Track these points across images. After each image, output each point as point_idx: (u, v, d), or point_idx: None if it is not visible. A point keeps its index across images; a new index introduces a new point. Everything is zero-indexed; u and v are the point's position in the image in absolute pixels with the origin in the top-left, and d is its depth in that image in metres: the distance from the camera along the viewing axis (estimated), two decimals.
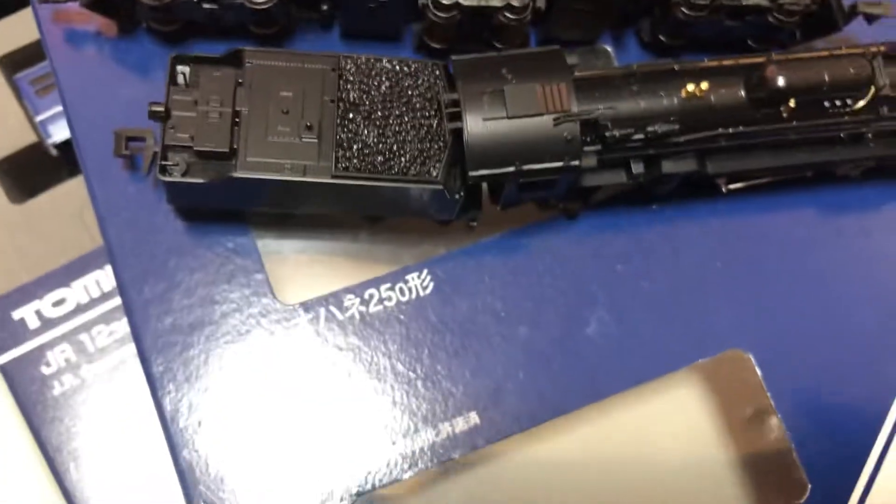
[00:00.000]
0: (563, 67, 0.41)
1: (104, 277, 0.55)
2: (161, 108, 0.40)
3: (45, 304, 0.54)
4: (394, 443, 0.43)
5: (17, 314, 0.54)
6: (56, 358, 0.53)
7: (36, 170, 0.58)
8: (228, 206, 0.43)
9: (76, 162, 0.55)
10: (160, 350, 0.43)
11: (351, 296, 0.45)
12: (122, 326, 0.55)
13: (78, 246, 0.57)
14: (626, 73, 0.42)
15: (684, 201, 0.48)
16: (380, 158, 0.40)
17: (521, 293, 0.46)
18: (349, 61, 0.41)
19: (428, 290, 0.46)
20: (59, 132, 0.58)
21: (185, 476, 0.42)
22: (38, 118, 0.58)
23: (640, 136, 0.41)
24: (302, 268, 0.46)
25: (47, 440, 0.51)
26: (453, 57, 0.41)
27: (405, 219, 0.46)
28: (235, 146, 0.40)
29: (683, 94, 0.42)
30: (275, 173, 0.39)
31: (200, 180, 0.40)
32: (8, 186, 0.57)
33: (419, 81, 0.41)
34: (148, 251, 0.44)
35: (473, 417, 0.43)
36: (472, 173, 0.39)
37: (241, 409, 0.43)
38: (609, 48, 0.50)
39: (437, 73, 0.41)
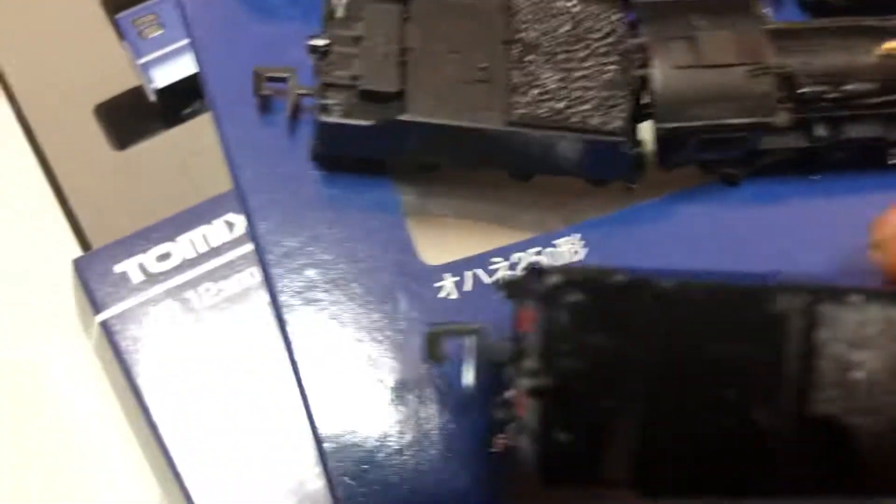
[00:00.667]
0: (756, 16, 0.38)
1: (211, 232, 0.52)
2: (324, 42, 0.36)
3: (148, 258, 0.51)
4: None
5: (119, 267, 0.51)
6: (161, 315, 0.50)
7: (135, 116, 0.55)
8: (379, 156, 0.40)
9: (176, 110, 0.52)
10: (298, 306, 0.40)
11: (499, 258, 0.42)
12: (230, 284, 0.51)
13: (182, 199, 0.53)
14: (820, 26, 0.39)
15: (846, 172, 0.45)
16: (559, 105, 0.36)
17: (679, 262, 0.43)
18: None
19: (579, 256, 0.42)
20: (162, 77, 0.55)
21: (323, 445, 0.39)
22: (140, 61, 0.54)
23: (834, 94, 0.38)
24: (445, 228, 0.43)
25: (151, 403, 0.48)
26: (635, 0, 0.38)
27: (555, 178, 0.43)
28: (403, 87, 0.36)
29: (882, 51, 0.38)
30: (445, 118, 0.36)
31: (365, 122, 0.36)
32: (109, 132, 0.53)
33: (599, 25, 0.38)
34: (285, 201, 0.41)
35: None
36: (661, 125, 0.36)
37: (383, 372, 0.40)
38: (767, 8, 0.46)
39: (619, 16, 0.38)
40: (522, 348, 0.25)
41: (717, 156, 0.41)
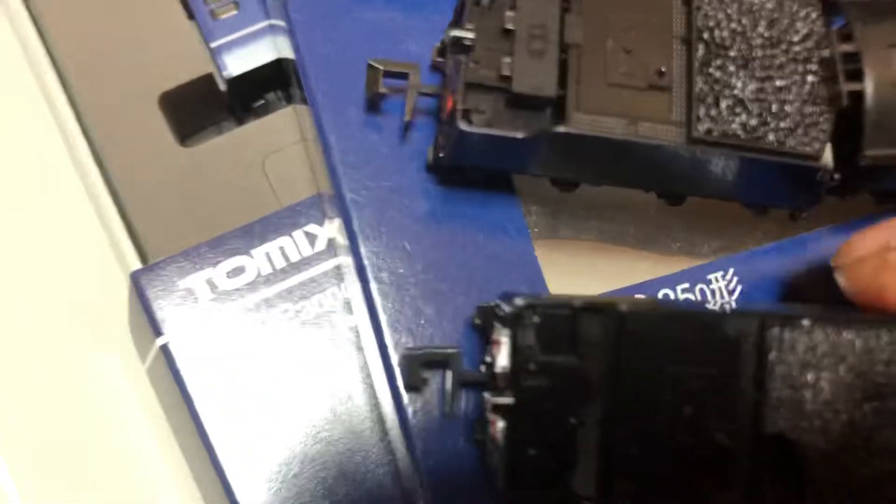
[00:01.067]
0: None
1: (291, 245, 0.45)
2: (470, 35, 0.30)
3: (218, 273, 0.44)
4: None
5: (184, 283, 0.44)
6: (231, 340, 0.43)
7: (204, 107, 0.48)
8: (518, 170, 0.33)
9: (247, 102, 0.45)
10: (404, 349, 0.33)
11: (641, 296, 0.35)
12: (311, 306, 0.45)
13: (259, 204, 0.46)
14: None
15: None
16: (753, 122, 0.30)
17: None
18: None
19: (735, 295, 0.36)
20: (235, 64, 0.48)
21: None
22: (213, 45, 0.48)
23: None
24: (579, 255, 0.36)
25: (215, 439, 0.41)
26: None
27: (708, 200, 0.36)
28: (562, 91, 0.30)
29: None
30: (613, 132, 0.30)
31: (515, 134, 0.30)
32: (174, 126, 0.46)
33: (798, 25, 0.31)
34: (395, 220, 0.35)
35: None
36: (870, 152, 0.30)
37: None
38: None
39: (819, 16, 0.31)
40: (491, 370, 0.28)
41: None
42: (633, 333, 0.27)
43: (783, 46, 0.31)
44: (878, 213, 0.37)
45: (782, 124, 0.30)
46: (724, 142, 0.30)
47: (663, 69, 0.30)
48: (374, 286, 0.35)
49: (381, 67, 0.33)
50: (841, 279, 0.30)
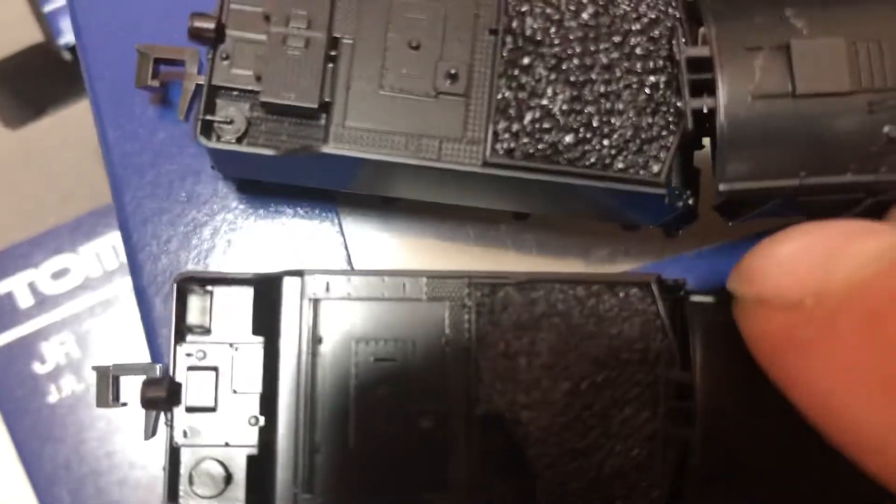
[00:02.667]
0: (885, 8, 0.24)
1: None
2: (211, 25, 0.24)
3: (41, 275, 0.39)
4: None
5: (2, 286, 0.39)
6: (53, 352, 0.39)
7: (41, 81, 0.42)
8: (304, 185, 0.27)
9: None
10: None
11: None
12: None
13: (93, 194, 0.41)
14: None
15: None
16: (568, 139, 0.23)
17: None
18: None
19: None
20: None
21: None
22: (47, 9, 0.42)
23: None
24: (415, 262, 0.30)
25: (37, 463, 0.37)
26: None
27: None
28: (329, 98, 0.24)
29: None
30: (389, 152, 0.23)
31: (267, 152, 0.24)
32: (4, 103, 0.41)
33: (643, 9, 0.24)
34: (176, 232, 0.29)
35: None
36: (725, 187, 0.23)
37: None
38: None
39: (669, 2, 0.24)
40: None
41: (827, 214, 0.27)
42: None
43: (615, 39, 0.24)
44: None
45: (608, 141, 0.23)
46: (528, 166, 0.23)
47: (453, 71, 0.24)
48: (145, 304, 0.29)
49: (152, 54, 0.27)
50: (737, 313, 0.22)
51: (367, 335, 0.24)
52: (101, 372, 0.26)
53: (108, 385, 0.25)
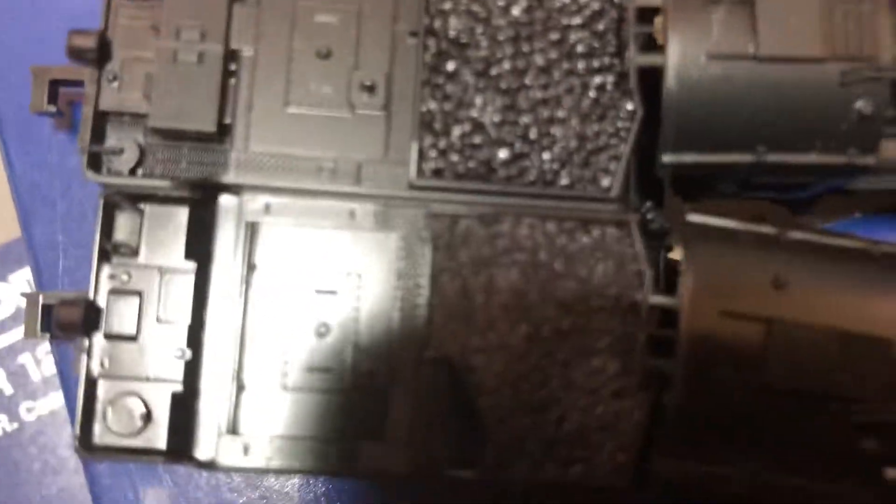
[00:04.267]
0: None
1: None
2: (91, 43, 0.21)
3: None
4: None
5: None
6: None
7: None
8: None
9: None
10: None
11: None
12: None
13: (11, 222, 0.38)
14: None
15: None
16: (502, 154, 0.20)
17: None
18: None
19: None
20: None
21: None
22: None
23: None
24: None
25: None
26: None
27: None
28: (229, 120, 0.21)
29: None
30: (298, 177, 0.20)
31: (162, 184, 0.21)
32: None
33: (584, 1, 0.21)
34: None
35: None
36: (670, 158, 0.20)
37: None
38: None
39: None
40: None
41: (786, 197, 0.24)
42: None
43: (552, 37, 0.21)
44: None
45: (547, 156, 0.20)
46: (460, 187, 0.20)
47: (370, 82, 0.21)
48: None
49: (46, 76, 0.24)
50: None
51: (307, 265, 0.21)
52: (31, 299, 0.23)
53: (36, 315, 0.23)
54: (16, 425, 0.35)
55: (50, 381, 0.36)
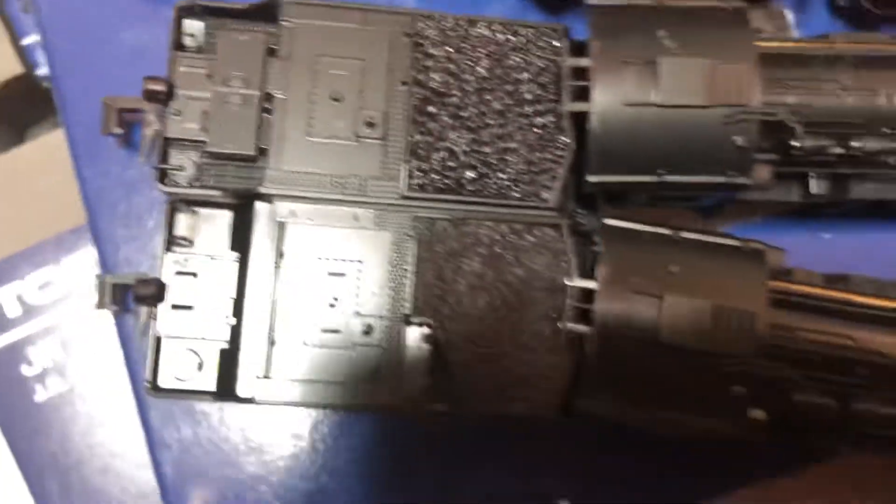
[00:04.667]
0: (745, 36, 0.28)
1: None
2: (161, 86, 0.28)
3: (28, 287, 0.43)
4: None
5: None
6: (40, 356, 0.43)
7: (23, 110, 0.46)
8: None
9: None
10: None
11: None
12: None
13: (74, 212, 0.45)
14: (830, 53, 0.29)
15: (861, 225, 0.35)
16: (469, 174, 0.28)
17: None
18: (430, 23, 0.28)
19: None
20: None
21: None
22: (25, 41, 0.45)
23: (838, 150, 0.28)
24: None
25: (27, 457, 0.41)
26: (590, 1, 0.28)
27: None
28: (264, 146, 0.28)
29: None
30: (316, 189, 0.28)
31: (214, 193, 0.28)
32: None
33: (532, 57, 0.28)
34: (146, 256, 0.33)
35: None
36: (593, 178, 0.27)
37: None
38: (787, 11, 0.36)
39: (560, 43, 0.28)
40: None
41: (683, 206, 0.32)
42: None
43: (507, 88, 0.28)
44: None
45: (503, 175, 0.28)
46: (439, 198, 0.28)
47: (371, 119, 0.28)
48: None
49: (115, 105, 0.31)
50: None
51: (322, 254, 0.28)
52: (100, 279, 0.30)
53: (104, 292, 0.30)
54: (67, 386, 0.42)
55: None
